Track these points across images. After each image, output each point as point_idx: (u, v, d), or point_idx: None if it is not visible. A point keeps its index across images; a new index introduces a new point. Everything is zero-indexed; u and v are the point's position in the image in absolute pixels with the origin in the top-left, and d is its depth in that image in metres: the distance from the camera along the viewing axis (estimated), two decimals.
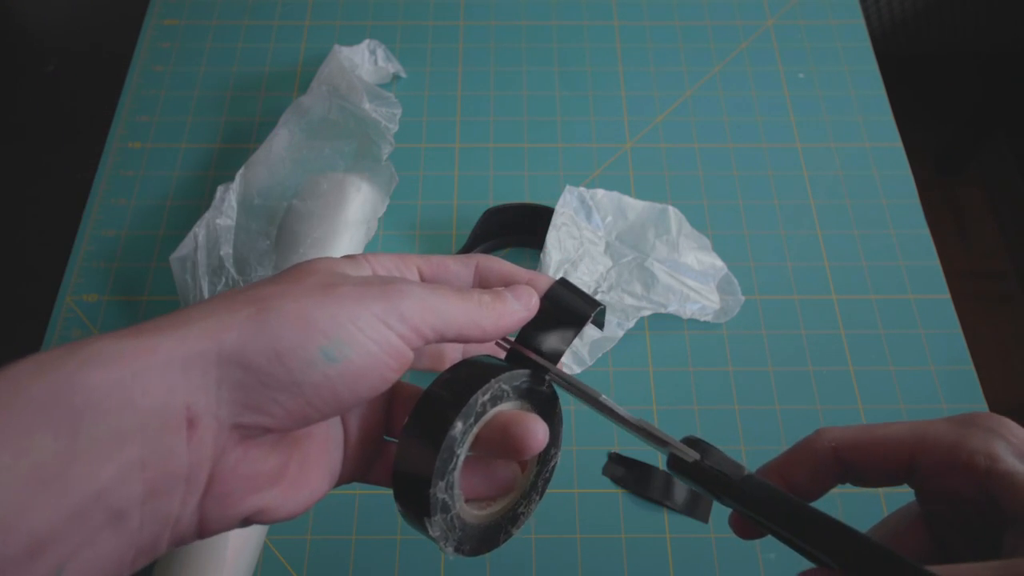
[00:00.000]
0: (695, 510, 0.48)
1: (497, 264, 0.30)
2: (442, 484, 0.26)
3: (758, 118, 0.65)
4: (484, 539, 0.28)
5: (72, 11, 0.75)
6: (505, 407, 0.27)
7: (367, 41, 0.65)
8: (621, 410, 0.28)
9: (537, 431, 0.26)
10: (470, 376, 0.27)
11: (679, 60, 0.68)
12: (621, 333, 0.52)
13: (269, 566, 0.47)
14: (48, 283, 0.57)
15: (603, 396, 0.28)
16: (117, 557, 0.21)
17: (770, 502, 0.25)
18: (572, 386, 0.28)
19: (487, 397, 0.26)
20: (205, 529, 0.23)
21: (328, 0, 0.72)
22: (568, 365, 0.50)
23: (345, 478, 0.29)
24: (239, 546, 0.43)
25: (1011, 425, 0.23)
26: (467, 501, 0.28)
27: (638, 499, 0.49)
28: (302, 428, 0.24)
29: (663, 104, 0.66)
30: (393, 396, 0.30)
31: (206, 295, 0.51)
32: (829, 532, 0.23)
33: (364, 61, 0.64)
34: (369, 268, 0.27)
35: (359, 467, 0.29)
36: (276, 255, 0.53)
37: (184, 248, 0.53)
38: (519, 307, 0.27)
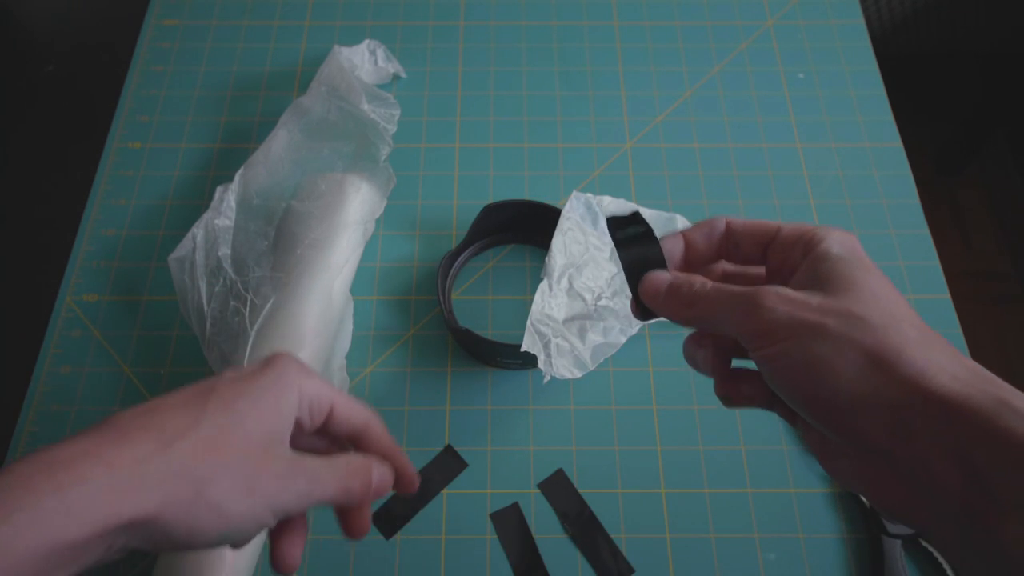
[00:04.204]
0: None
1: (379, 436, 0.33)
2: None
3: (758, 118, 0.65)
4: None
5: (72, 11, 0.75)
6: None
7: (367, 41, 0.65)
8: None
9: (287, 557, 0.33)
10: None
11: (679, 60, 0.68)
12: (624, 339, 0.52)
13: (269, 566, 0.47)
14: (48, 283, 0.57)
15: None
16: None
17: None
18: None
19: None
20: None
21: (328, 0, 0.72)
22: (569, 368, 0.50)
23: None
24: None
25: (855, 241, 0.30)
26: None
27: (639, 496, 0.49)
28: None
29: (663, 104, 0.66)
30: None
31: (204, 295, 0.51)
32: None
33: (364, 61, 0.64)
34: (296, 394, 0.30)
35: None
36: (274, 255, 0.53)
37: (183, 248, 0.53)
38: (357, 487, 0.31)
